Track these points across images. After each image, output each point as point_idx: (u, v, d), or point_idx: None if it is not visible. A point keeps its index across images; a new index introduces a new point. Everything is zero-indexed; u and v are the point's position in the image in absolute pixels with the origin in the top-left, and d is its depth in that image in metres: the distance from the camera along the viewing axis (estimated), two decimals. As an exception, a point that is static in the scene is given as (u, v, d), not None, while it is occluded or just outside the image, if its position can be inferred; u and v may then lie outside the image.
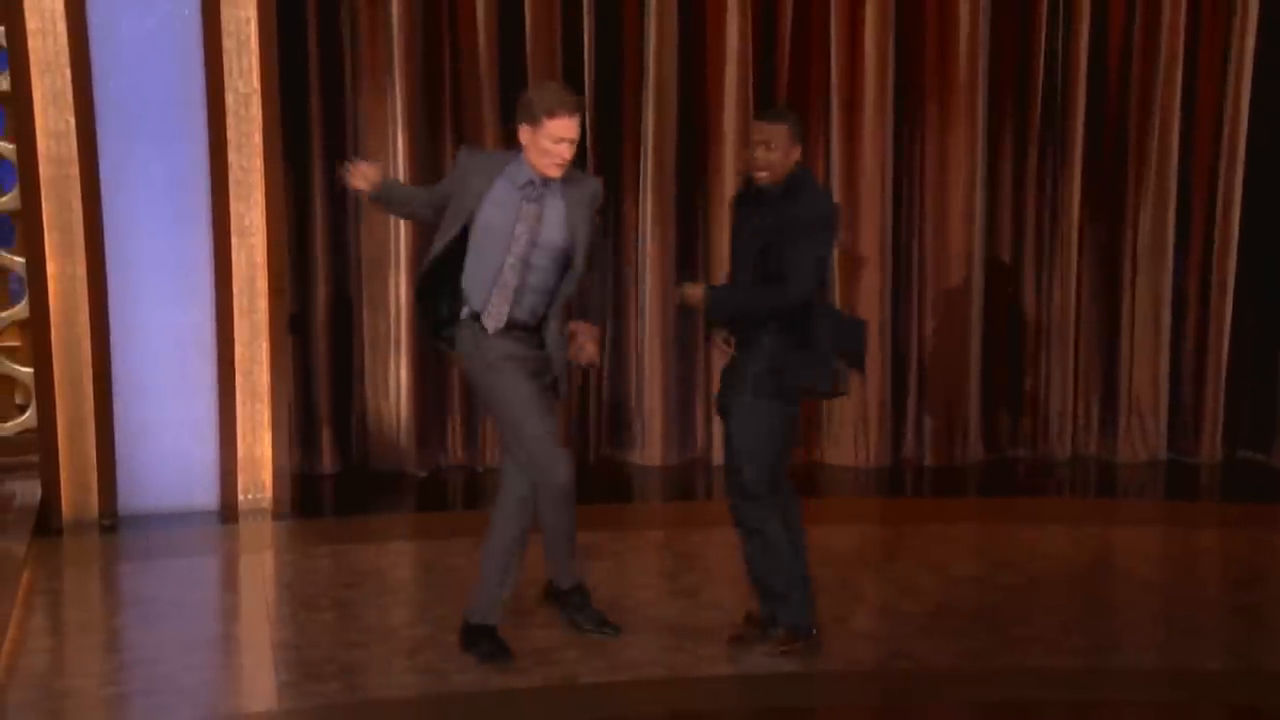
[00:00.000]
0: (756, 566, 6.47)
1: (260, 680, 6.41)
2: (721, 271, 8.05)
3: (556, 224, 6.19)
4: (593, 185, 6.39)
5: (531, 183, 6.16)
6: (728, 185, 9.60)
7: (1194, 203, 9.99)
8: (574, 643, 6.62)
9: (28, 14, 8.07)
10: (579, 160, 9.39)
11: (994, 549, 8.33)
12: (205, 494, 8.71)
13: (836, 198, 9.65)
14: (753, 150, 6.23)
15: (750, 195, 6.32)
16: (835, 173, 9.74)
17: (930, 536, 8.48)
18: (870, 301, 9.69)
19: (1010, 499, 9.44)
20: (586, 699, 6.20)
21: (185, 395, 8.63)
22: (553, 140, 6.03)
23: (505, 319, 6.21)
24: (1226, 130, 9.83)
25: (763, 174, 6.20)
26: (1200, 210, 9.99)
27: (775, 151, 6.16)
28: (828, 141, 9.78)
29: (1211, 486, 9.83)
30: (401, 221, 9.43)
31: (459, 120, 9.59)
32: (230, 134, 8.44)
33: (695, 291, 6.37)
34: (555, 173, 6.11)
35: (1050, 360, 10.13)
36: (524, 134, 6.12)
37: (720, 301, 6.38)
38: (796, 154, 6.23)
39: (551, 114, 6.00)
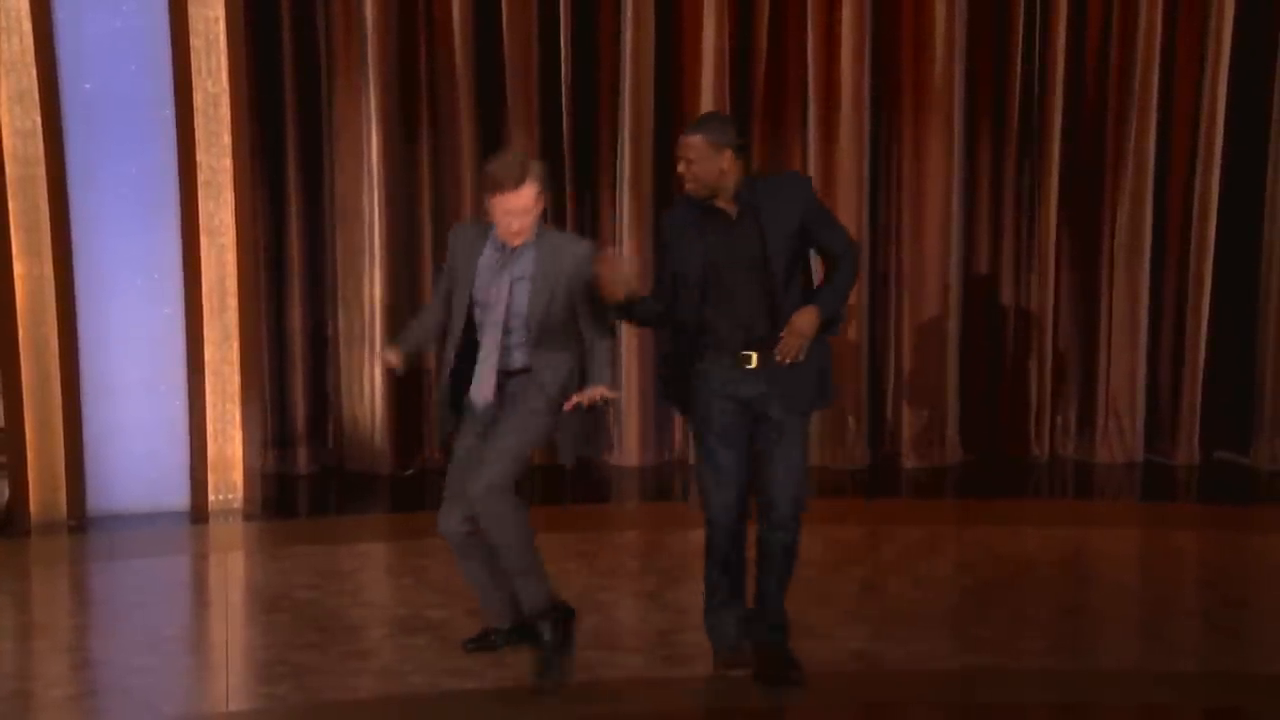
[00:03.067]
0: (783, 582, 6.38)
1: (210, 682, 6.40)
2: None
3: (522, 291, 6.09)
4: (577, 250, 6.17)
5: (503, 247, 6.11)
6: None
7: (1171, 205, 9.93)
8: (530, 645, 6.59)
9: (-7, 13, 8.08)
10: (554, 169, 9.57)
11: (965, 550, 8.32)
12: (175, 495, 8.70)
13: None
14: (677, 165, 6.09)
15: (698, 213, 6.11)
16: (812, 175, 9.65)
17: (902, 538, 8.45)
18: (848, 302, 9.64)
19: (987, 500, 9.39)
20: (540, 701, 6.16)
21: (155, 396, 8.63)
22: (500, 213, 6.02)
23: (492, 393, 6.13)
24: (1203, 131, 9.76)
25: (690, 185, 6.05)
26: (1177, 212, 9.93)
27: (695, 164, 6.02)
28: (805, 144, 9.73)
29: (1189, 488, 9.78)
30: (377, 221, 9.43)
31: (434, 119, 9.58)
32: (199, 133, 8.44)
33: (810, 319, 6.03)
34: (514, 241, 6.06)
35: (1028, 362, 10.07)
36: (485, 201, 6.09)
37: (829, 307, 6.14)
38: (725, 160, 6.03)
39: (494, 190, 5.99)
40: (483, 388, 6.11)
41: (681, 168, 6.05)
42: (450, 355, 6.18)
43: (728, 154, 6.02)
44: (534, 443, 6.19)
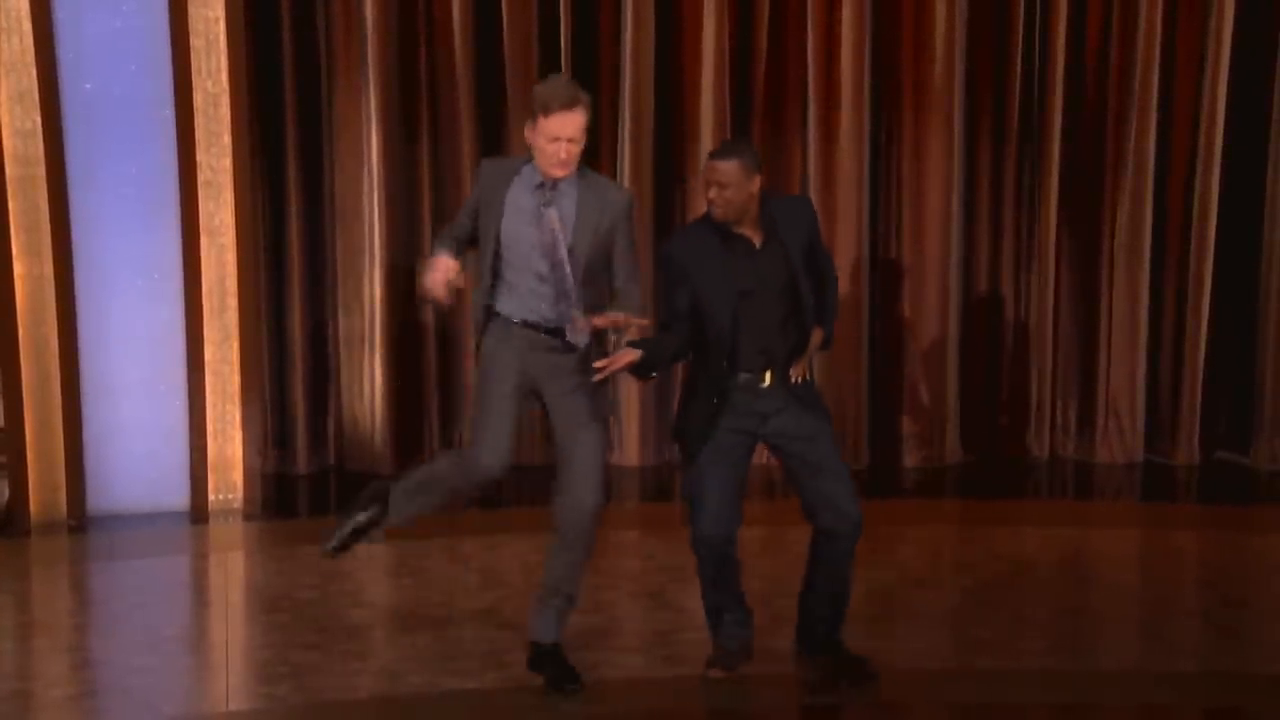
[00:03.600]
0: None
1: (210, 682, 6.41)
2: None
3: (567, 228, 5.87)
4: (617, 196, 6.04)
5: (542, 185, 5.88)
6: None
7: (1171, 205, 9.92)
8: (527, 644, 6.57)
9: (-8, 13, 8.08)
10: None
11: (964, 550, 8.31)
12: (175, 495, 8.69)
13: (813, 198, 9.63)
14: (706, 191, 5.99)
15: (717, 240, 6.05)
16: (812, 175, 9.69)
17: (902, 538, 8.44)
18: (848, 303, 9.63)
19: (987, 500, 9.39)
20: (540, 701, 6.16)
21: (155, 396, 8.63)
22: (548, 139, 5.75)
23: (536, 315, 5.96)
24: (1203, 131, 9.75)
25: (718, 211, 5.97)
26: (1177, 212, 9.92)
27: (728, 189, 5.93)
28: (804, 144, 9.72)
29: (1189, 488, 9.77)
30: (377, 221, 9.43)
31: (435, 119, 9.57)
32: (199, 133, 8.44)
33: (818, 341, 6.17)
34: (559, 172, 5.80)
35: (1028, 361, 10.07)
36: (528, 133, 5.86)
37: (829, 326, 6.24)
38: (755, 185, 6.00)
39: (546, 110, 5.74)
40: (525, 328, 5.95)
41: (712, 193, 5.94)
42: (486, 290, 5.99)
43: (757, 180, 6.00)
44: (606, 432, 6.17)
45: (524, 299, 5.96)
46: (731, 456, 6.14)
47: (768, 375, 6.11)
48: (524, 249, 5.91)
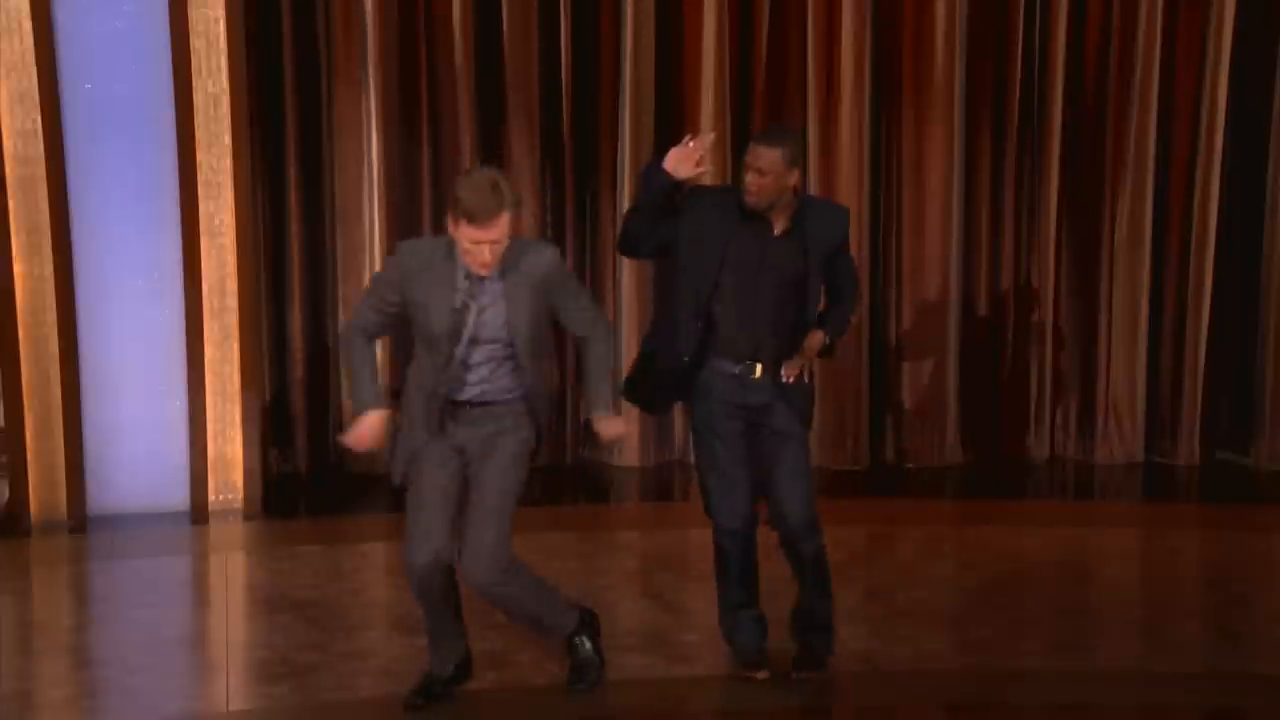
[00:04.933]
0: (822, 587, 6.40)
1: (210, 682, 6.40)
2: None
3: (496, 317, 5.76)
4: (537, 260, 5.83)
5: (467, 277, 5.74)
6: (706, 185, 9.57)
7: (1171, 204, 9.93)
8: (528, 645, 6.58)
9: (-8, 14, 8.08)
10: (555, 168, 9.55)
11: (965, 550, 8.31)
12: (176, 495, 8.68)
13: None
14: (745, 172, 5.93)
15: (734, 207, 6.02)
16: (812, 171, 9.68)
17: (902, 538, 8.46)
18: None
19: (987, 500, 9.39)
20: (540, 701, 6.20)
21: (155, 395, 8.62)
22: (470, 242, 5.61)
23: (436, 425, 5.87)
24: (1203, 130, 9.76)
25: (751, 198, 5.94)
26: (1178, 211, 9.93)
27: (767, 177, 5.89)
28: (805, 144, 9.71)
29: (1189, 488, 9.78)
30: (377, 221, 9.43)
31: (435, 119, 9.56)
32: (200, 134, 8.43)
33: (818, 342, 6.13)
34: (482, 271, 5.67)
35: (1028, 362, 10.08)
36: (450, 225, 5.66)
37: (836, 332, 6.22)
38: (794, 179, 5.98)
39: (469, 219, 5.56)
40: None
41: (750, 178, 5.90)
42: (425, 381, 5.84)
43: (796, 174, 5.99)
44: (519, 493, 5.94)
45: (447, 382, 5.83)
46: (735, 452, 6.16)
47: (759, 368, 6.11)
48: (458, 338, 5.77)
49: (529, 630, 6.27)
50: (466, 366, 5.78)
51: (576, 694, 6.19)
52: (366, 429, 5.90)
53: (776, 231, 6.04)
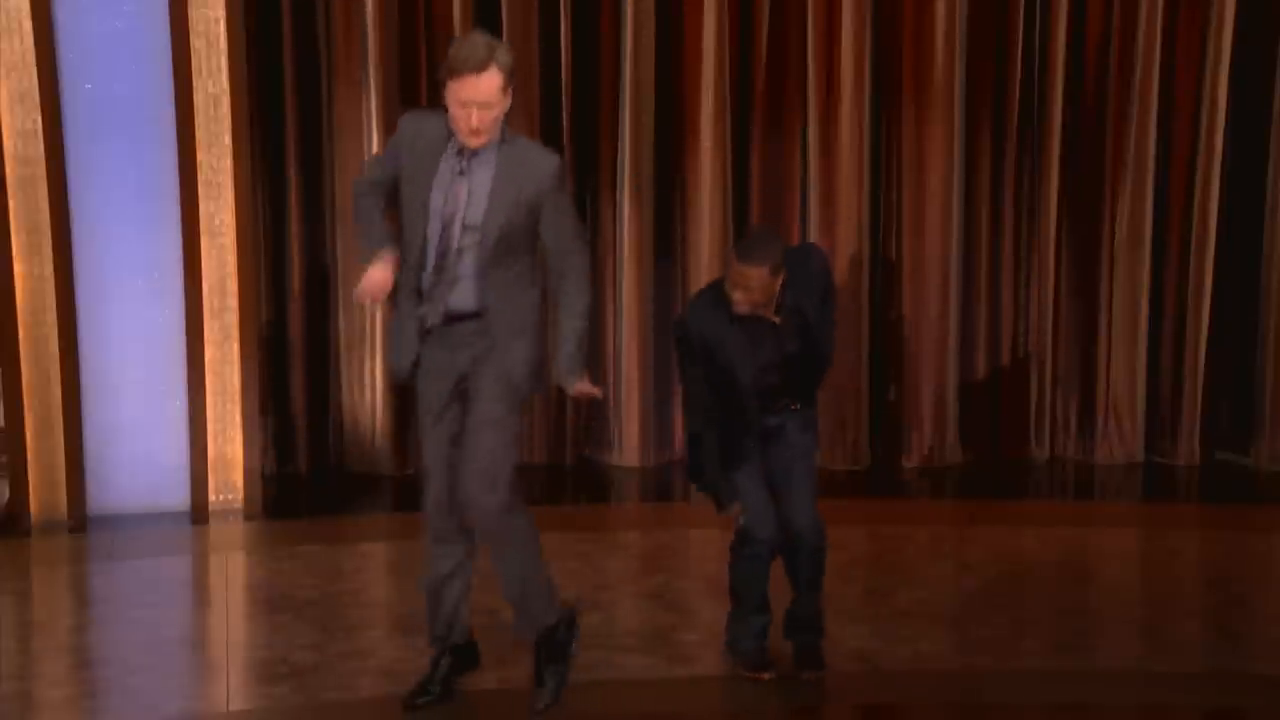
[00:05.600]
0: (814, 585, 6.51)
1: (210, 682, 6.40)
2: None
3: (479, 200, 5.39)
4: (541, 163, 5.48)
5: (460, 151, 5.39)
6: (705, 185, 9.60)
7: (1171, 204, 9.92)
8: (528, 645, 6.54)
9: (-8, 13, 8.07)
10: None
11: (965, 550, 8.31)
12: (176, 495, 8.67)
13: (813, 198, 9.67)
14: (732, 290, 6.02)
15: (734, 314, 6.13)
16: (812, 173, 9.69)
17: (902, 538, 8.46)
18: (848, 302, 9.64)
19: (987, 500, 9.39)
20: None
21: (155, 396, 8.61)
22: (457, 103, 5.23)
23: (442, 314, 5.58)
24: (1203, 130, 9.76)
25: (742, 309, 6.06)
26: (1178, 211, 9.91)
27: (756, 293, 6.01)
28: (804, 144, 9.72)
29: (1189, 488, 9.77)
30: (378, 221, 9.41)
31: (435, 120, 9.55)
32: (200, 134, 8.42)
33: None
34: (472, 141, 5.29)
35: (1028, 361, 10.07)
36: (444, 94, 5.33)
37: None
38: (780, 280, 6.06)
39: (453, 73, 5.19)
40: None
41: (739, 295, 6.01)
42: (415, 272, 5.51)
43: (782, 276, 6.07)
44: (518, 423, 5.74)
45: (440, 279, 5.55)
46: (756, 475, 6.31)
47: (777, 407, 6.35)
48: (420, 217, 5.52)
49: (513, 608, 6.08)
50: (445, 256, 5.44)
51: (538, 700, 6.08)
52: (373, 279, 5.57)
53: (777, 321, 6.17)
